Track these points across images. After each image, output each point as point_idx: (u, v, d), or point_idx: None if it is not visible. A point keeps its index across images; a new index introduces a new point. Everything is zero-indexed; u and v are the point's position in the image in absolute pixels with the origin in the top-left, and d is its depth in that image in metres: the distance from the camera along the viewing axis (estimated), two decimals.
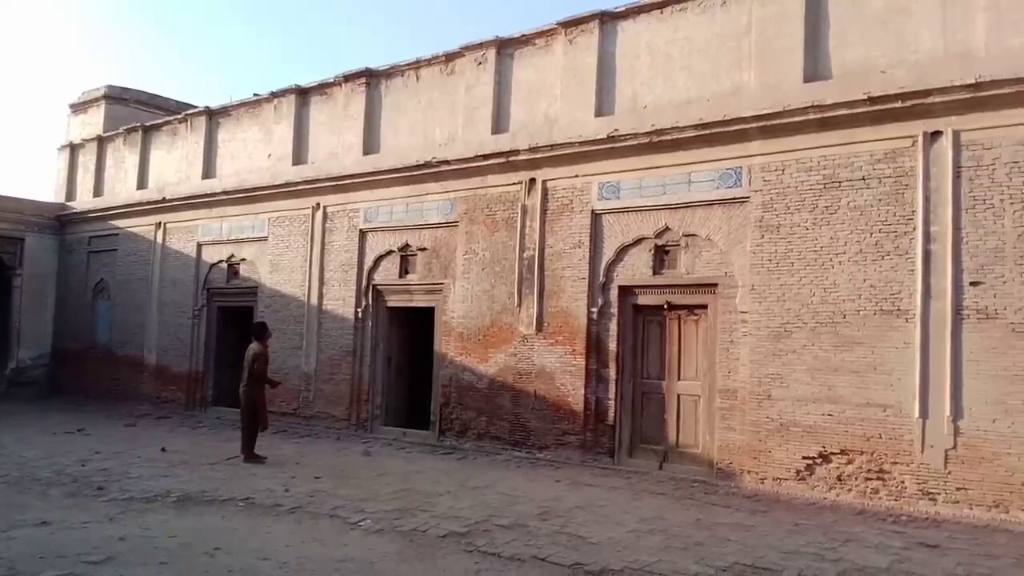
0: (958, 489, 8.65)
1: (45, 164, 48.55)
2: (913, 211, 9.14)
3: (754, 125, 10.13)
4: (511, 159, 12.50)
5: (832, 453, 9.46)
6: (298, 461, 11.24)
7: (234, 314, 17.05)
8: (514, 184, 12.65)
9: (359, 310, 14.61)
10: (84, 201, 20.78)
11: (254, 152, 16.95)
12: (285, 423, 14.81)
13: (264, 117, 16.89)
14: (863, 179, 9.49)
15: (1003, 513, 8.34)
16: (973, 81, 8.66)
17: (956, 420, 8.72)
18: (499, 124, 13.02)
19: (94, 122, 21.83)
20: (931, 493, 8.79)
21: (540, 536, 7.21)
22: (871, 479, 9.18)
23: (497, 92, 13.08)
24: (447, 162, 13.30)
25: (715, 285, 10.71)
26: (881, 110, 9.27)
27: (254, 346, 11.46)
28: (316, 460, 11.39)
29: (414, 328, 14.56)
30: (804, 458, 9.63)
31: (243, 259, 16.93)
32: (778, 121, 9.93)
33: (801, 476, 9.65)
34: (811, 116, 9.69)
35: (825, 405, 9.55)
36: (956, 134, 8.91)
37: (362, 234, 14.74)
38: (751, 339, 10.19)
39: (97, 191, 20.67)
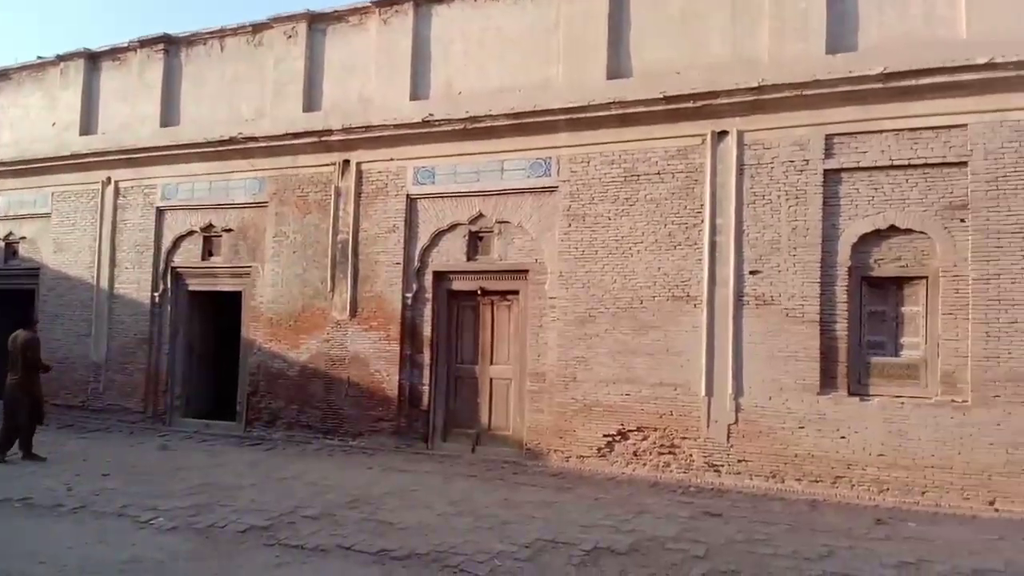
0: (739, 461, 9.47)
1: None
2: (702, 205, 9.85)
3: (562, 117, 10.49)
4: (324, 139, 12.13)
5: (630, 430, 10.04)
6: (85, 458, 10.36)
7: (12, 298, 15.34)
8: (327, 165, 12.29)
9: (156, 294, 13.65)
10: None
11: (37, 120, 15.29)
12: (71, 417, 13.61)
13: (49, 82, 15.27)
14: (659, 173, 10.11)
15: (779, 483, 9.23)
16: (756, 85, 9.44)
17: (737, 397, 9.54)
18: (311, 102, 12.60)
19: None
20: (716, 465, 9.57)
21: (347, 525, 7.12)
22: (663, 453, 9.85)
23: (309, 68, 12.63)
24: (255, 139, 12.70)
25: (526, 271, 11.01)
26: (675, 109, 9.89)
27: (24, 333, 10.42)
28: (105, 456, 10.55)
29: (220, 314, 13.81)
30: (604, 436, 10.16)
31: (23, 237, 15.33)
32: (583, 115, 10.34)
33: (602, 453, 10.17)
34: (613, 112, 10.16)
35: (624, 386, 10.11)
36: (740, 134, 9.69)
37: (160, 212, 13.76)
38: (559, 324, 10.57)
39: None
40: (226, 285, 13.44)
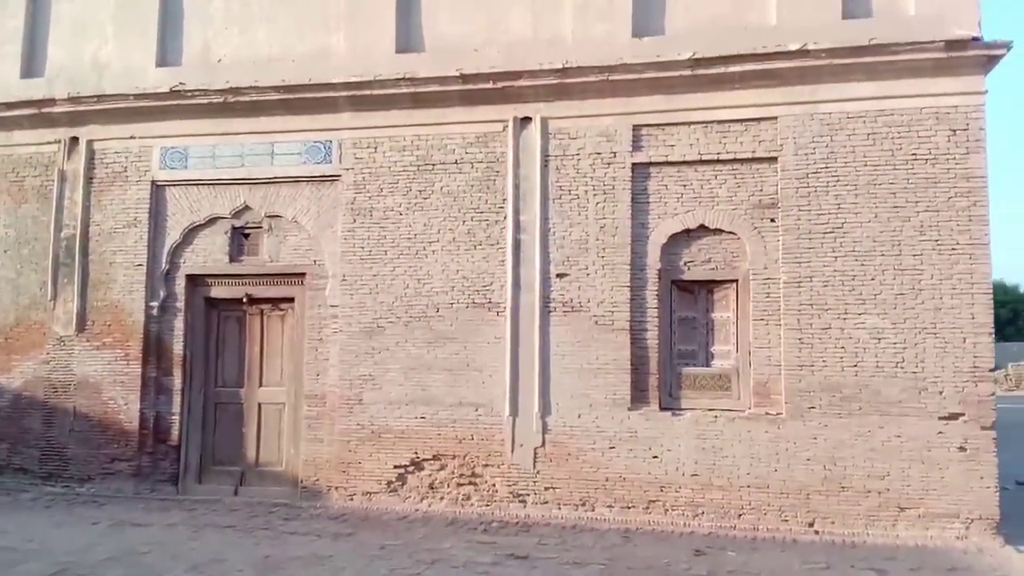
0: (547, 489, 8.41)
1: None
2: (504, 199, 8.77)
3: (344, 94, 9.03)
4: (45, 110, 9.87)
5: (425, 459, 8.72)
6: None
7: None
8: (50, 143, 10.04)
9: None
10: None
11: None
12: None
13: None
14: (456, 163, 8.92)
15: (589, 511, 8.26)
16: (560, 67, 8.50)
17: (544, 417, 8.49)
18: (32, 66, 10.27)
19: None
20: (521, 495, 8.45)
21: None
22: (463, 484, 8.60)
23: (31, 25, 10.27)
24: None
25: (303, 275, 9.43)
26: (473, 90, 8.77)
27: None
28: None
29: None
30: (396, 467, 8.77)
31: None
32: (369, 92, 8.95)
33: (393, 488, 8.75)
34: (404, 89, 8.86)
35: (419, 407, 8.78)
36: (544, 121, 8.72)
37: None
38: (342, 336, 9.08)
39: None
40: None
